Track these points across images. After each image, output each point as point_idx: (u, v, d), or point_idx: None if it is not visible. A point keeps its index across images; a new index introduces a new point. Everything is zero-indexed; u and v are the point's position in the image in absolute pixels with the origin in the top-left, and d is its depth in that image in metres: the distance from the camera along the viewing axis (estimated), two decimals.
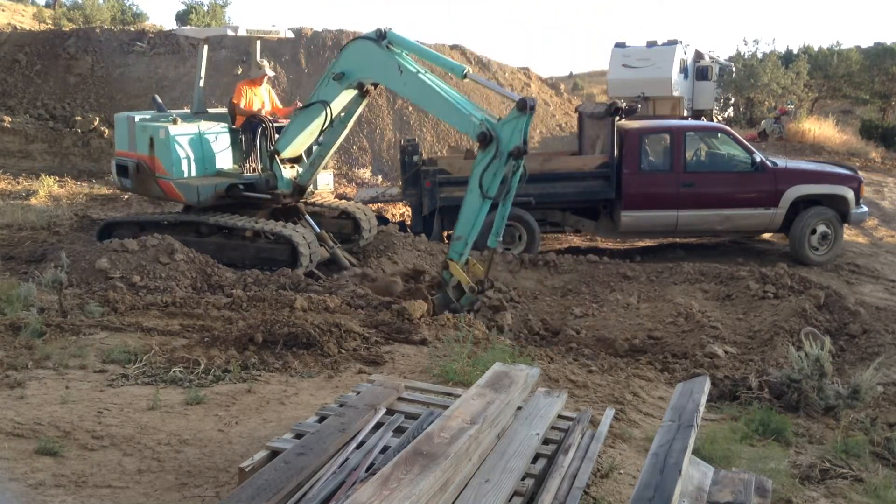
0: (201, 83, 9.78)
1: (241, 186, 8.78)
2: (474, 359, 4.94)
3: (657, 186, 10.28)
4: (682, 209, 10.16)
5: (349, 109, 8.39)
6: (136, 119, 9.01)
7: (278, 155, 8.62)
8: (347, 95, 8.21)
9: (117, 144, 9.48)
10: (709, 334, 7.19)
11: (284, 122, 9.13)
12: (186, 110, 9.91)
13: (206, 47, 9.68)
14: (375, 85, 8.21)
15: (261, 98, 9.32)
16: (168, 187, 8.80)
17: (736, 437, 4.46)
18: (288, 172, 8.75)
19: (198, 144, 8.90)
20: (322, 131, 8.45)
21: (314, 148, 8.81)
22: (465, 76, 7.27)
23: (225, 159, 9.22)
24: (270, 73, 9.65)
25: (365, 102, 8.39)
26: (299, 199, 9.02)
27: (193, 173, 8.86)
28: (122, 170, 9.19)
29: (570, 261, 9.55)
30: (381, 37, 7.66)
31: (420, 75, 7.44)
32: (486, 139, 6.83)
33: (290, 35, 10.82)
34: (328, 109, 8.17)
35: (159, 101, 9.90)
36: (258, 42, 9.91)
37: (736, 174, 10.33)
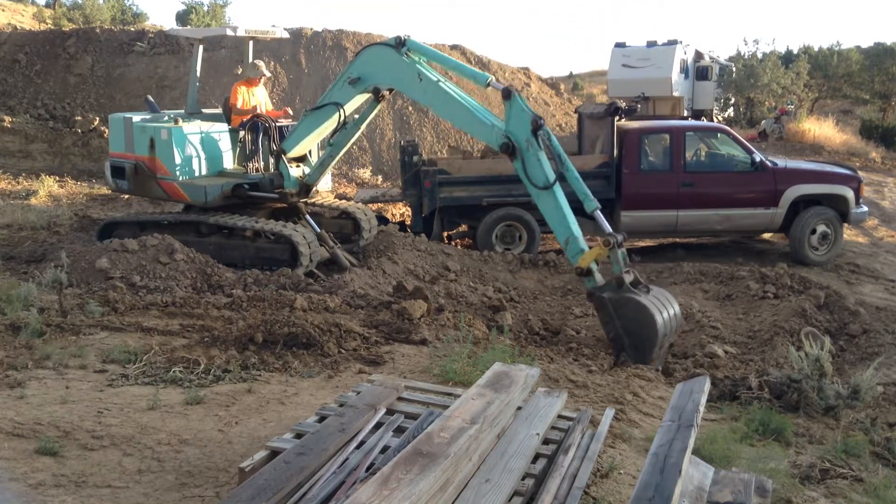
0: (196, 83, 9.79)
1: (246, 186, 8.79)
2: (474, 359, 4.94)
3: (657, 186, 10.28)
4: (682, 209, 10.16)
5: (362, 113, 8.43)
6: (135, 120, 8.96)
7: (285, 154, 8.63)
8: (361, 99, 8.24)
9: (112, 146, 9.36)
10: (709, 334, 7.19)
11: (285, 121, 9.14)
12: (181, 111, 9.89)
13: (201, 47, 9.69)
14: (391, 90, 8.18)
15: (257, 98, 9.33)
16: (171, 188, 8.78)
17: (736, 437, 4.46)
18: (295, 171, 8.75)
19: (200, 145, 8.91)
20: (335, 132, 8.43)
21: (326, 148, 8.79)
22: (488, 85, 7.31)
23: (227, 159, 9.24)
24: (267, 73, 9.66)
25: (379, 108, 8.38)
26: (305, 197, 9.02)
27: (197, 174, 8.85)
28: (118, 171, 9.10)
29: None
30: (399, 44, 7.64)
31: (440, 84, 7.41)
32: (509, 149, 6.79)
33: (286, 35, 10.81)
34: (341, 111, 8.17)
35: (152, 101, 9.89)
36: (251, 42, 9.91)
37: (736, 174, 10.33)
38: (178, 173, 8.68)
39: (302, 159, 8.90)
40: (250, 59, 9.79)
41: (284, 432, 3.56)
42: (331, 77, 16.82)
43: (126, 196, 12.16)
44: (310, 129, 8.50)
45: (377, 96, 8.03)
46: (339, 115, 8.17)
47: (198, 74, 9.75)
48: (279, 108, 10.82)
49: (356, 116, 8.46)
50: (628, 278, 6.23)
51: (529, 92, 20.60)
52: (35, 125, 16.25)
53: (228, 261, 8.29)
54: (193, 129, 8.91)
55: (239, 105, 9.12)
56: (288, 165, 8.65)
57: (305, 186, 8.80)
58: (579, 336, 7.19)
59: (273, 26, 10.35)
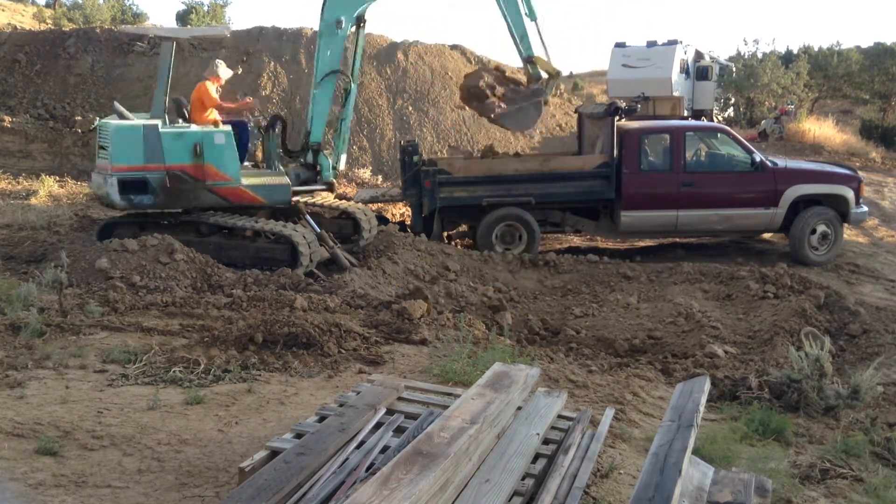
0: (166, 85, 9.03)
1: None
2: (474, 359, 4.94)
3: (657, 186, 10.28)
4: (682, 209, 10.16)
5: (354, 56, 9.07)
6: (161, 128, 8.38)
7: (317, 146, 9.05)
8: (347, 43, 8.85)
9: (115, 158, 8.24)
10: (709, 334, 7.18)
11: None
12: (146, 113, 9.24)
13: (173, 47, 9.19)
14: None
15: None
16: (235, 192, 8.52)
17: (736, 437, 4.46)
18: (330, 160, 9.18)
19: (235, 145, 8.67)
20: (344, 104, 9.04)
21: (338, 123, 9.21)
22: None
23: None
24: (229, 72, 9.68)
25: (364, 33, 9.00)
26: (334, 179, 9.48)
27: (239, 175, 8.64)
28: (136, 187, 8.26)
29: (570, 261, 9.55)
30: None
31: None
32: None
33: (227, 34, 11.14)
34: (342, 76, 8.83)
35: (121, 108, 9.10)
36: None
37: (736, 174, 10.32)
38: (237, 176, 8.53)
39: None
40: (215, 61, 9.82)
41: (284, 432, 3.56)
42: None
43: None
44: (325, 109, 9.00)
45: (360, 23, 8.85)
46: (346, 78, 8.91)
47: (168, 75, 9.05)
48: (279, 108, 10.87)
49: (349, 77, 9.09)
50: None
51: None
52: (35, 125, 16.24)
53: (228, 261, 8.28)
54: (228, 130, 8.67)
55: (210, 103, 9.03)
56: (326, 156, 9.05)
57: (335, 171, 9.32)
58: (579, 336, 7.19)
59: (220, 24, 10.43)
